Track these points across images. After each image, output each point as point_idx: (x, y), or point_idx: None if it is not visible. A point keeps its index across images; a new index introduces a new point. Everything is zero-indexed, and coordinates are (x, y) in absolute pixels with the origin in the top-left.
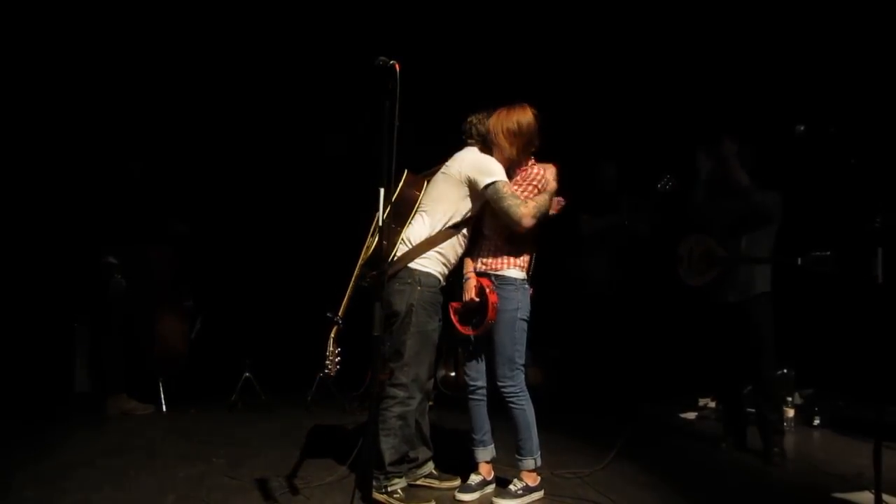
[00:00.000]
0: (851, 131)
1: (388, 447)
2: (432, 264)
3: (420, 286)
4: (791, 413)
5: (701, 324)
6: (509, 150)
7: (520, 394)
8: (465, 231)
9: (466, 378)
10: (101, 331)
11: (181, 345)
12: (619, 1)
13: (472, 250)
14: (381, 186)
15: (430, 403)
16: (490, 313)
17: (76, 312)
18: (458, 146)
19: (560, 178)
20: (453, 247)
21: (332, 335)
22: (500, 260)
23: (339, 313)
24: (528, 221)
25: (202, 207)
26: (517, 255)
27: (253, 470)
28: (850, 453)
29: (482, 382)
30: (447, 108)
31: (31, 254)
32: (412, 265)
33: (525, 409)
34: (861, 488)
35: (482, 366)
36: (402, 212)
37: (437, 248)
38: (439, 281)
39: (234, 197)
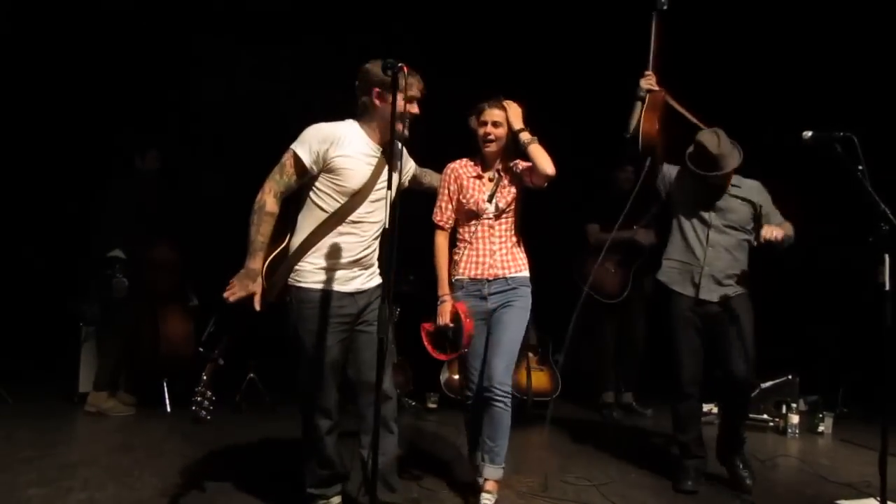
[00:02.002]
0: (860, 137)
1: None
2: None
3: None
4: (796, 420)
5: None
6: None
7: (510, 396)
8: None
9: (471, 384)
10: (101, 328)
11: (186, 345)
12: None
13: (461, 260)
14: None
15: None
16: (465, 341)
17: (82, 311)
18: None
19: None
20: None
21: (207, 374)
22: (518, 262)
23: (218, 351)
24: (264, 199)
25: (210, 207)
26: (524, 254)
27: (258, 471)
28: (855, 461)
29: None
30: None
31: (39, 250)
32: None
33: (510, 412)
34: (867, 496)
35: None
36: None
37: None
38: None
39: (238, 197)
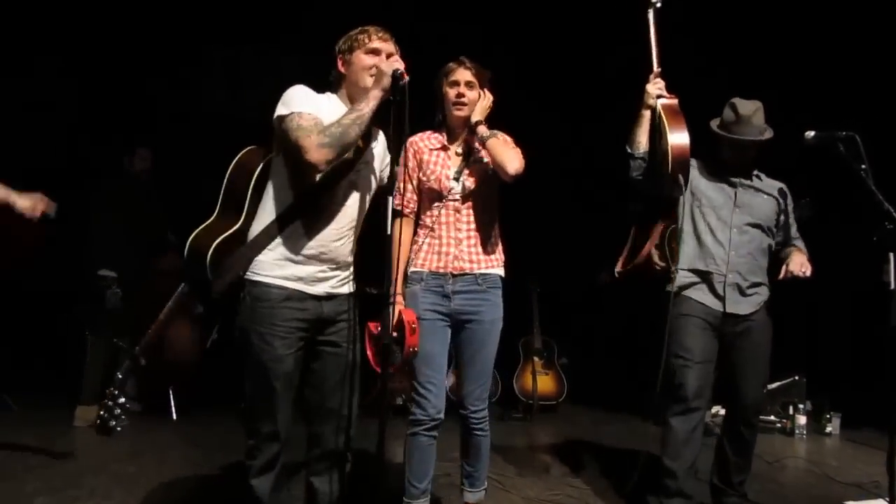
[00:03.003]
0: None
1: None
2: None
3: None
4: (803, 420)
5: None
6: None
7: (488, 418)
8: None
9: (427, 404)
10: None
11: (191, 353)
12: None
13: (420, 249)
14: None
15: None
16: (405, 355)
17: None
18: None
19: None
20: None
21: (122, 373)
22: (490, 256)
23: (139, 348)
24: (315, 155)
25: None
26: (501, 248)
27: None
28: (863, 461)
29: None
30: None
31: (49, 260)
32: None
33: (489, 435)
34: (875, 497)
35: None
36: None
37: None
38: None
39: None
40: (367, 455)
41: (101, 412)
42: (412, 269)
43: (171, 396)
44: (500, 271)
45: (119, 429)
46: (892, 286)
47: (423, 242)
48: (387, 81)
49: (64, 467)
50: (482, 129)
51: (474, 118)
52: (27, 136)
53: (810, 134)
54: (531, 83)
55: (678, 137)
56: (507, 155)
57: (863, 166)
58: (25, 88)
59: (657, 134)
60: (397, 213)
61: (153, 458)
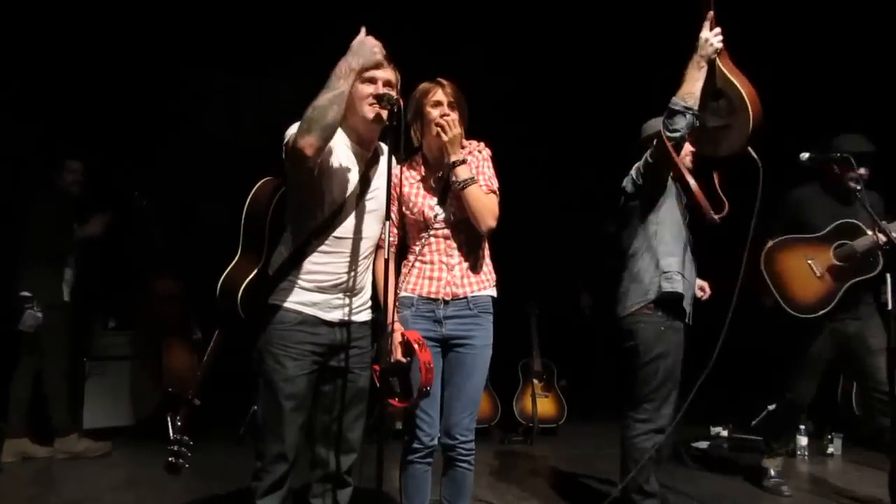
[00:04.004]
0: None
1: None
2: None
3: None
4: (804, 441)
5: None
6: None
7: (474, 451)
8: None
9: (422, 433)
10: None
11: (190, 379)
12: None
13: (410, 273)
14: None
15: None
16: (425, 377)
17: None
18: None
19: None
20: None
21: (183, 419)
22: (481, 278)
23: (192, 392)
24: (299, 142)
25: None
26: (491, 267)
27: None
28: (865, 482)
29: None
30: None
31: None
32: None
33: (473, 470)
34: None
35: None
36: None
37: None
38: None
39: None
40: (368, 480)
41: (170, 458)
42: (402, 293)
43: (170, 423)
44: (493, 291)
45: (186, 466)
46: (890, 307)
47: (412, 267)
48: (364, 59)
49: (61, 496)
50: (462, 171)
51: (453, 157)
52: None
53: (805, 156)
54: (533, 104)
55: (749, 88)
56: (484, 210)
57: (858, 187)
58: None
59: (710, 94)
60: (381, 247)
61: (151, 488)
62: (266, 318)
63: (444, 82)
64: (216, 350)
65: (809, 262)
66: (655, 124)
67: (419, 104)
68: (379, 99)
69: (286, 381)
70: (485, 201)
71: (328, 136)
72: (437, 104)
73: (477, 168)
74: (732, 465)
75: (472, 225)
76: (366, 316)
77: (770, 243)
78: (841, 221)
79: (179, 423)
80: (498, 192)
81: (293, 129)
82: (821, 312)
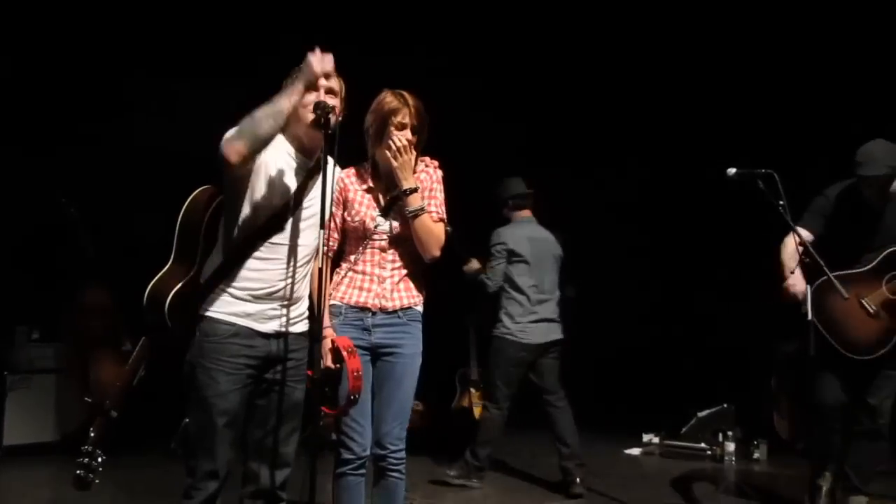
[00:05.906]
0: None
1: None
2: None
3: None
4: (732, 447)
5: None
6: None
7: (405, 460)
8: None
9: (354, 444)
10: None
11: (118, 392)
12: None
13: (341, 282)
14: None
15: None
16: (352, 384)
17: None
18: None
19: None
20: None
21: (96, 431)
22: (411, 293)
23: (110, 403)
24: (226, 149)
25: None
26: (424, 285)
27: None
28: (789, 486)
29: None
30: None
31: None
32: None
33: (405, 480)
34: None
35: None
36: None
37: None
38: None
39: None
40: (300, 493)
41: (78, 471)
42: (330, 301)
43: (93, 436)
44: (420, 307)
45: (97, 481)
46: (809, 317)
47: (343, 276)
48: (308, 77)
49: None
50: (414, 200)
51: (405, 185)
52: None
53: (731, 171)
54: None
55: None
56: (431, 240)
57: (781, 202)
58: None
59: None
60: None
61: None
62: (197, 328)
63: (410, 100)
64: (140, 360)
65: (863, 300)
66: None
67: (384, 121)
68: (315, 107)
69: (219, 396)
70: (433, 231)
71: (257, 147)
72: (403, 126)
73: (429, 192)
74: (664, 472)
75: (411, 243)
76: (303, 327)
77: (817, 283)
78: (890, 250)
79: (93, 435)
80: (445, 220)
81: (228, 134)
82: (882, 352)
